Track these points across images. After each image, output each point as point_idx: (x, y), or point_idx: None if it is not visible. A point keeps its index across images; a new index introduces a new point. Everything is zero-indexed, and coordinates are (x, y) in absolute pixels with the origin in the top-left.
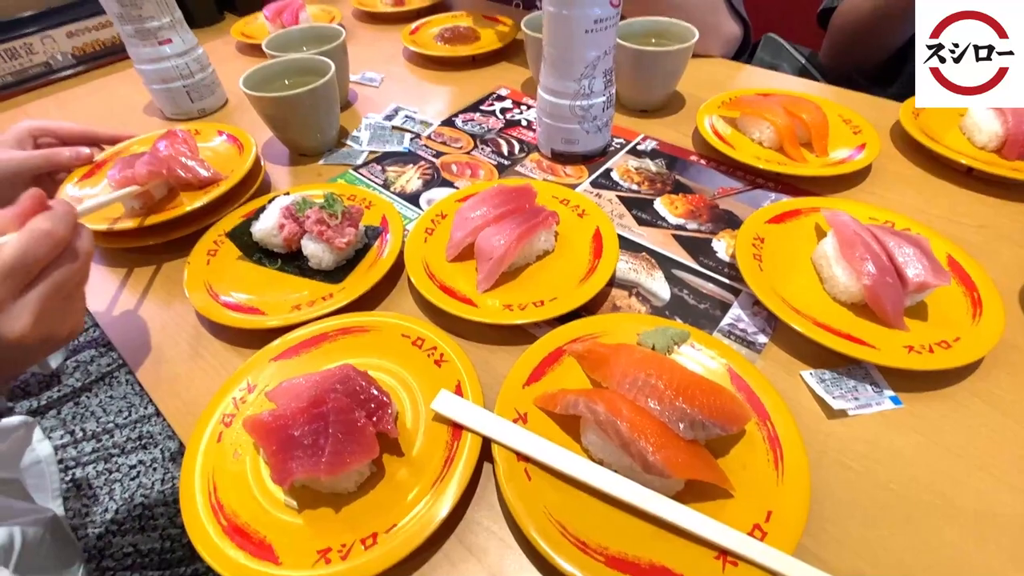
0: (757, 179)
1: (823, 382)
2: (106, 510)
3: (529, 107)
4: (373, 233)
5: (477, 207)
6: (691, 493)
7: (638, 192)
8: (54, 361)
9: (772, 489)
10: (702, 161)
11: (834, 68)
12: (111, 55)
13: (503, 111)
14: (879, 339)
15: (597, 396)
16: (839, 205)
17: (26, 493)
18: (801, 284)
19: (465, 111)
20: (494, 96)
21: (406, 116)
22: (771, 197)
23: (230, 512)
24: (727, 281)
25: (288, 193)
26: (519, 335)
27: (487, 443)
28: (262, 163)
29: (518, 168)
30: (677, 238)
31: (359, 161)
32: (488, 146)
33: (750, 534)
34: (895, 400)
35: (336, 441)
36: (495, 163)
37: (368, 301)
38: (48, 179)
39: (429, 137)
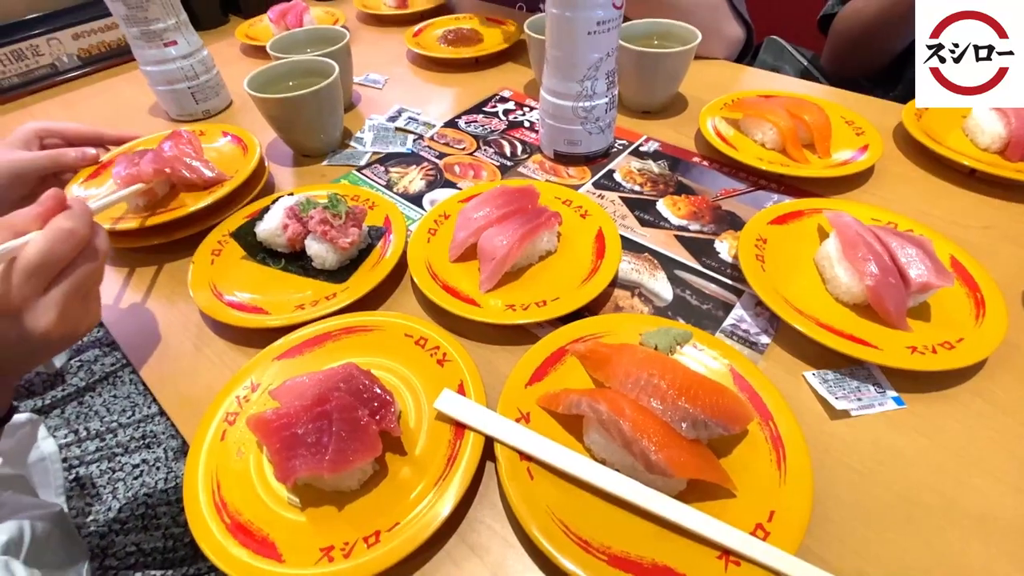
0: (759, 180)
1: (826, 382)
2: (109, 509)
3: (532, 108)
4: (376, 233)
5: (480, 208)
6: (693, 493)
7: (640, 193)
8: (58, 361)
9: (774, 489)
10: (704, 162)
11: (836, 73)
12: (117, 57)
13: (506, 112)
14: (882, 340)
15: (600, 395)
16: (841, 206)
17: (32, 489)
18: (803, 285)
19: (468, 112)
20: (497, 98)
21: (409, 117)
22: (773, 198)
23: (233, 510)
24: (729, 282)
25: (292, 194)
26: (521, 335)
27: (490, 442)
28: (266, 164)
29: (521, 169)
30: (679, 239)
31: (362, 162)
32: (491, 147)
33: (752, 534)
34: (898, 401)
35: (339, 439)
36: (498, 164)
37: (371, 301)
38: (54, 179)
39: (432, 138)
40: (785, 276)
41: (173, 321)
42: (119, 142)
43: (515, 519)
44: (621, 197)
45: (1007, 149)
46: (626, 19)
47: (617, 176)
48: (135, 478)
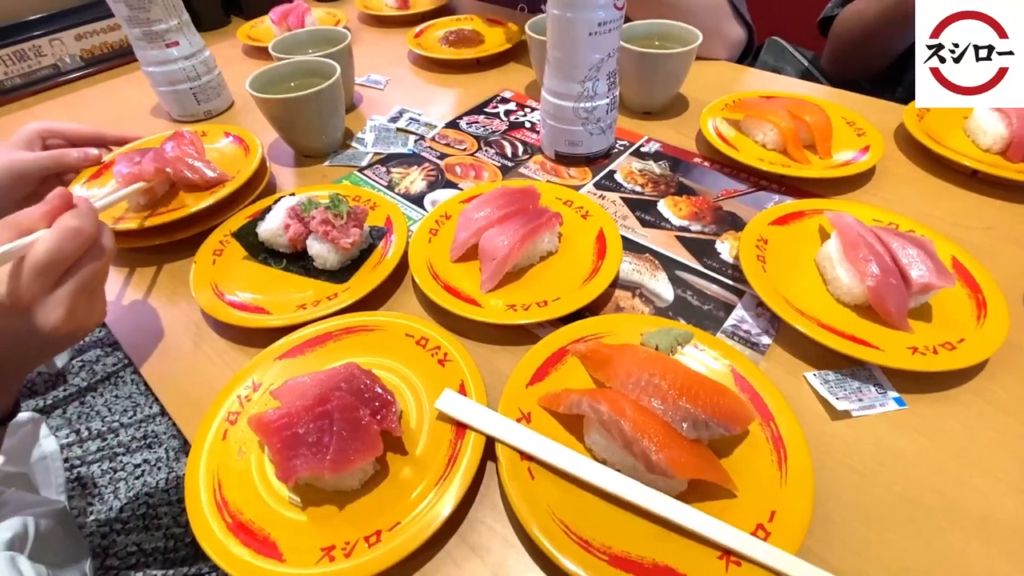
0: (761, 181)
1: (827, 383)
2: (110, 509)
3: (533, 109)
4: (378, 233)
5: (481, 208)
6: (694, 493)
7: (642, 194)
8: (60, 360)
9: (775, 490)
10: (706, 163)
11: (836, 75)
12: (119, 57)
13: (507, 113)
14: (883, 340)
15: (600, 396)
16: (843, 207)
17: (34, 487)
18: (805, 285)
19: (469, 113)
20: (498, 98)
21: (411, 118)
22: (775, 199)
23: (234, 509)
24: (731, 282)
25: (293, 194)
26: (522, 335)
27: (490, 442)
28: (268, 164)
29: (522, 170)
30: (681, 239)
31: (364, 162)
32: (492, 148)
33: (753, 534)
34: (899, 401)
35: (340, 439)
36: (499, 165)
37: (372, 301)
38: (56, 180)
39: (433, 139)
40: (786, 277)
41: (175, 321)
42: (121, 143)
43: (516, 519)
44: (622, 198)
45: (1009, 150)
46: (628, 20)
47: (618, 177)
48: (136, 478)
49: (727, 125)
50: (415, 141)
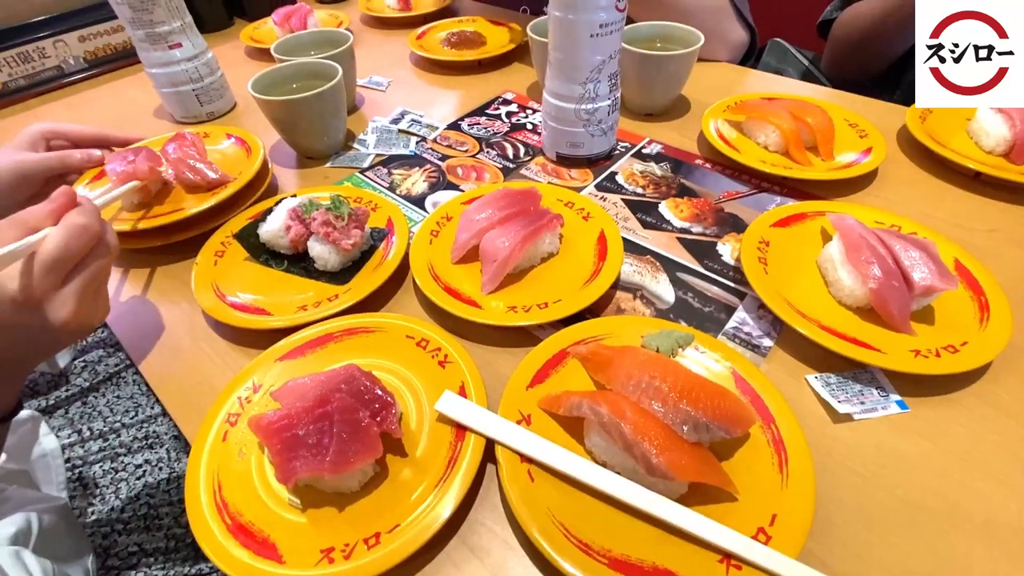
0: (762, 183)
1: (828, 386)
2: (112, 509)
3: (535, 111)
4: (379, 235)
5: (482, 209)
6: (695, 496)
7: (643, 195)
8: (62, 361)
9: (776, 493)
10: (707, 165)
11: (835, 77)
12: (122, 59)
13: (509, 115)
14: (885, 343)
15: (601, 398)
16: (845, 209)
17: (35, 484)
18: (806, 288)
19: (471, 115)
20: (500, 100)
21: (412, 120)
22: (776, 201)
23: (234, 511)
24: (732, 284)
25: (295, 195)
26: (523, 337)
27: (490, 444)
28: (269, 166)
29: (523, 171)
30: (682, 241)
31: (365, 164)
32: (493, 149)
33: (754, 538)
34: (901, 404)
35: (340, 441)
36: (500, 166)
37: (373, 302)
38: (60, 181)
39: (435, 140)
40: (788, 279)
41: (176, 321)
42: (124, 144)
43: (516, 521)
44: (623, 199)
45: (1012, 152)
46: (631, 21)
47: (619, 178)
48: (138, 478)
49: (729, 127)
50: (417, 143)
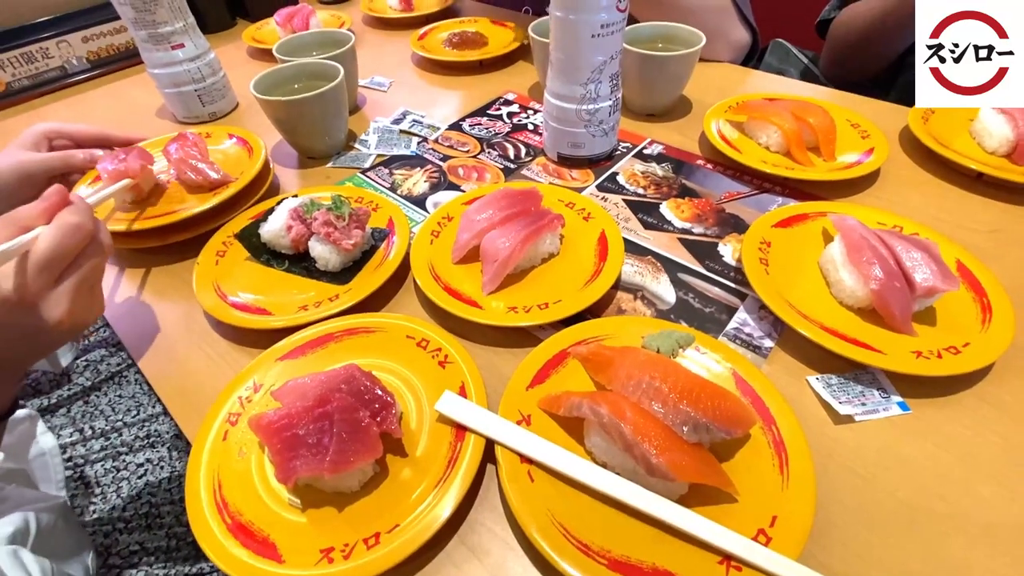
0: (764, 183)
1: (830, 387)
2: (113, 508)
3: (536, 111)
4: (380, 235)
5: (483, 210)
6: (695, 497)
7: (644, 196)
8: (64, 360)
9: (777, 494)
10: (708, 165)
11: (833, 77)
12: (125, 59)
13: (510, 115)
14: (887, 344)
15: (601, 398)
16: (846, 209)
17: (33, 483)
18: (808, 288)
19: (472, 115)
20: (501, 100)
21: (414, 120)
22: (778, 201)
23: (234, 510)
24: (733, 285)
25: (296, 195)
26: (523, 337)
27: (490, 445)
28: (271, 166)
29: (524, 172)
30: (683, 242)
31: (367, 164)
32: (495, 150)
33: (754, 539)
34: (903, 406)
35: (340, 440)
36: (501, 167)
37: (374, 302)
38: (62, 180)
39: (436, 141)
40: (789, 280)
41: (177, 321)
42: (126, 144)
43: (515, 522)
44: (624, 200)
45: (1015, 153)
46: (634, 21)
47: (620, 179)
48: (139, 477)
49: (730, 127)
50: (418, 143)
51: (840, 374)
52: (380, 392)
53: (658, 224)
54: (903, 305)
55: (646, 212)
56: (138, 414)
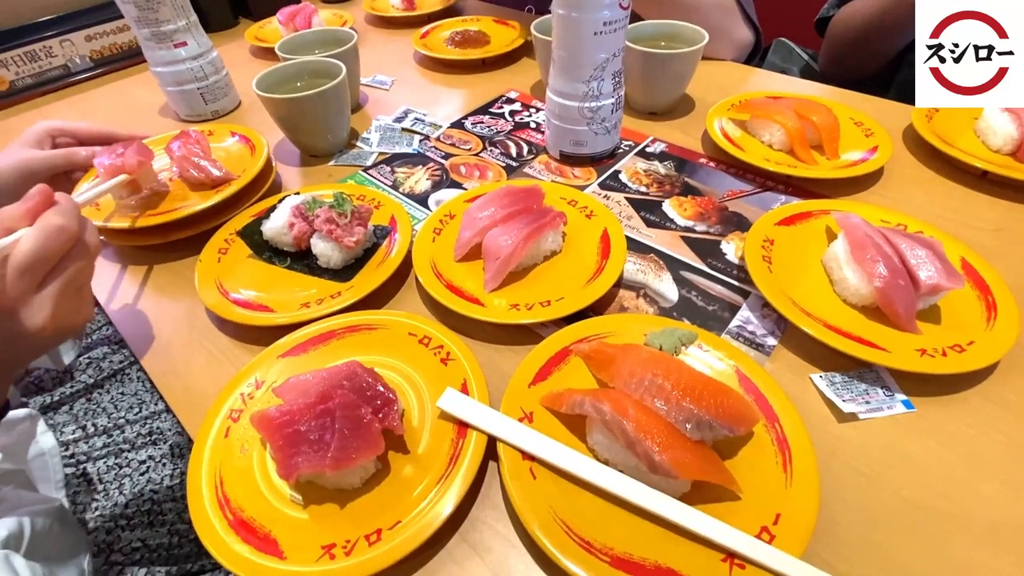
0: (767, 181)
1: (833, 385)
2: (115, 505)
3: (538, 109)
4: (382, 232)
5: (485, 207)
6: (698, 494)
7: (646, 194)
8: (67, 357)
9: (780, 492)
10: (711, 163)
11: (832, 75)
12: (128, 58)
13: (512, 113)
14: (891, 342)
15: (603, 396)
16: (850, 207)
17: (32, 484)
18: (811, 286)
19: (474, 113)
20: (503, 99)
21: (416, 118)
22: (781, 199)
23: (236, 506)
24: (736, 283)
25: (298, 193)
26: (526, 335)
27: (492, 442)
28: (273, 164)
29: (526, 170)
30: (686, 240)
31: (369, 162)
32: (497, 148)
33: (758, 537)
34: (907, 404)
35: (342, 437)
36: (503, 165)
37: (376, 299)
38: (64, 178)
39: (438, 139)
40: (792, 278)
41: (179, 318)
42: (129, 142)
43: (517, 519)
44: (627, 198)
45: (1019, 151)
46: (637, 19)
47: (623, 177)
48: (141, 474)
49: (733, 125)
50: (420, 141)
51: (844, 372)
52: (382, 389)
53: (661, 222)
54: (907, 303)
55: (649, 210)
56: (140, 411)
